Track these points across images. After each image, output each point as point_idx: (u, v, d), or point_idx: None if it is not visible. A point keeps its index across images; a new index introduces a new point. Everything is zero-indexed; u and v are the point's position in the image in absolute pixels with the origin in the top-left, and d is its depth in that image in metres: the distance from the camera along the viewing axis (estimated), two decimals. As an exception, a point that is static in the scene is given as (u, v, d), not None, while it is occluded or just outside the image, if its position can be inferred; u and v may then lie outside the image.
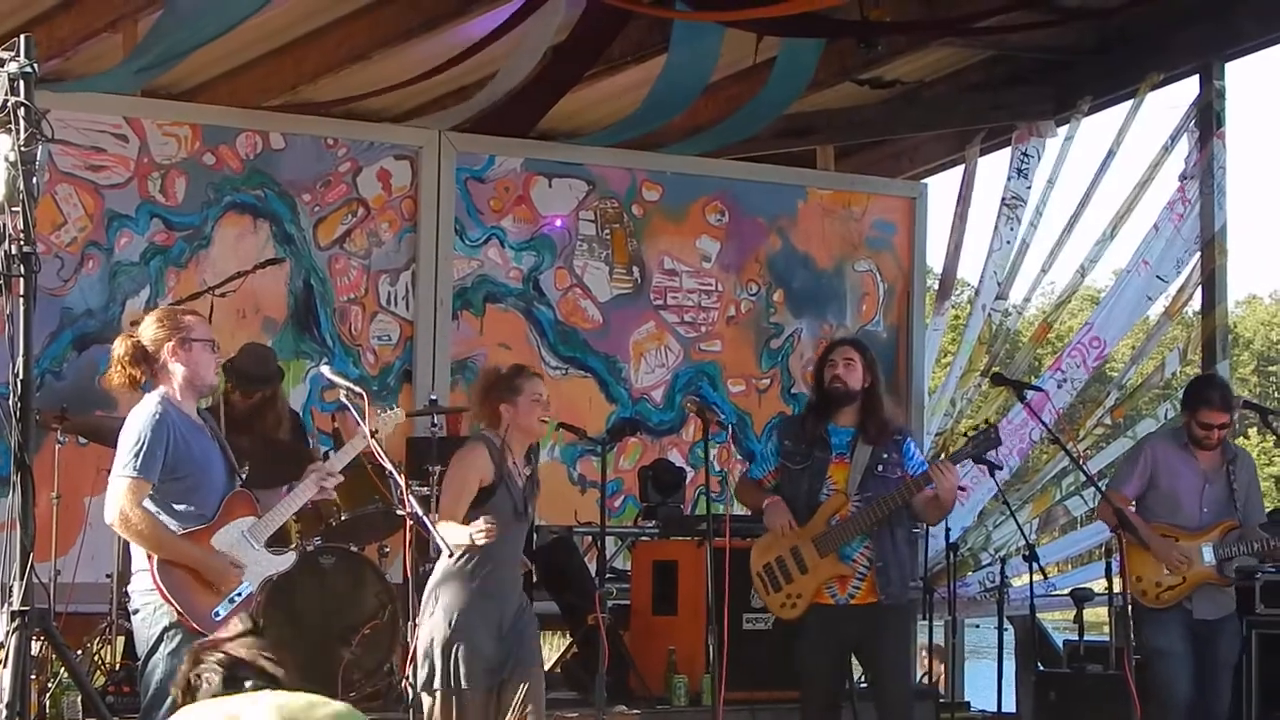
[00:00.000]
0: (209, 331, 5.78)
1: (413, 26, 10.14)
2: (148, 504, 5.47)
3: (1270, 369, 43.24)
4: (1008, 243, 11.18)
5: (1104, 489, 7.76)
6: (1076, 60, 11.33)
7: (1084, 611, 8.81)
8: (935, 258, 11.47)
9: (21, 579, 4.86)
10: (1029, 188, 11.20)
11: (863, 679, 7.33)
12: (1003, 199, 11.23)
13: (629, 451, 10.08)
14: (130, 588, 5.62)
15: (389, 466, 6.18)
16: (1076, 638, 8.95)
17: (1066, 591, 9.35)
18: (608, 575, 8.80)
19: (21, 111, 4.91)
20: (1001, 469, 9.62)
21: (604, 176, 10.18)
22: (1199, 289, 11.07)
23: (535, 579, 8.14)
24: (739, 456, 9.58)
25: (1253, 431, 25.41)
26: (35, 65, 4.99)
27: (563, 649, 9.21)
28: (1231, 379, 12.37)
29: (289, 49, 10.58)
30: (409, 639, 6.38)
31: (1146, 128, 11.27)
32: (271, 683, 3.09)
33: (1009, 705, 9.42)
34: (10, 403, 4.96)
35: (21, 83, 4.94)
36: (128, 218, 8.99)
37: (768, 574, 6.89)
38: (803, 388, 10.13)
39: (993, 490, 9.80)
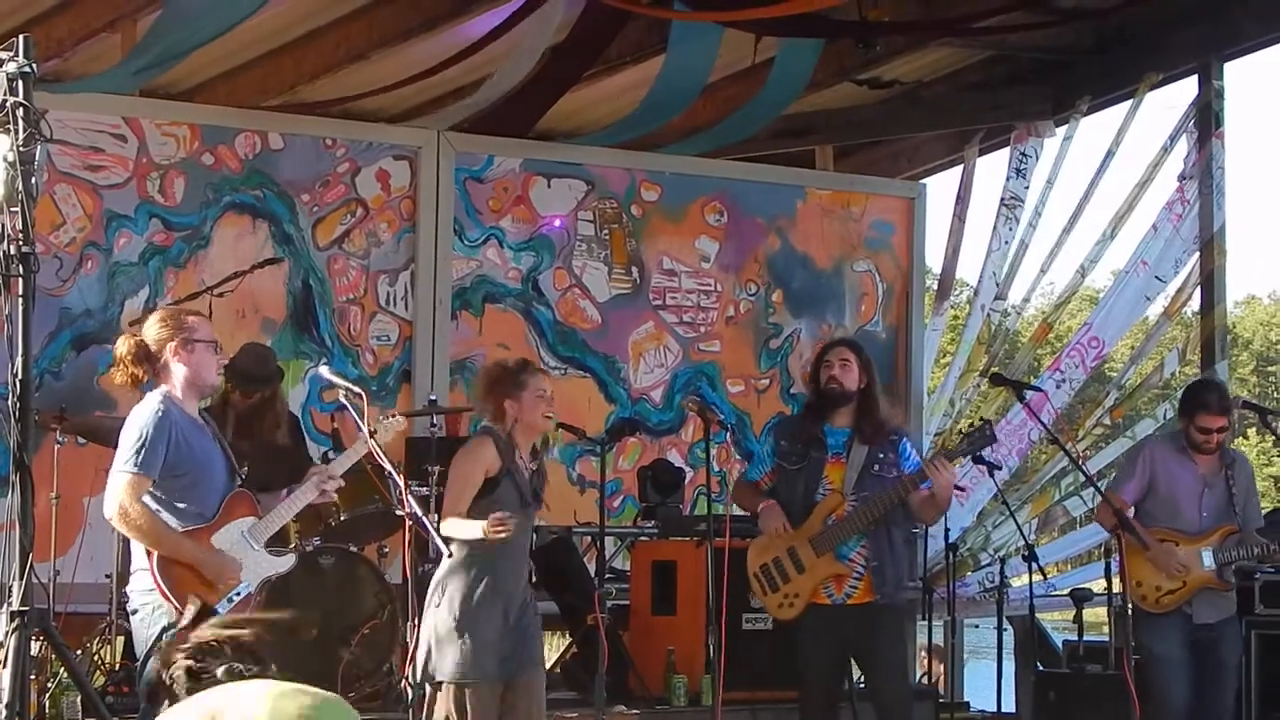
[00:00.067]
0: (212, 333, 5.78)
1: (411, 27, 10.15)
2: (148, 500, 5.47)
3: (1269, 369, 43.27)
4: (1006, 243, 11.17)
5: (1103, 491, 7.75)
6: (1075, 60, 11.33)
7: (1083, 611, 8.81)
8: (934, 258, 11.49)
9: (21, 579, 4.86)
10: (1028, 188, 11.20)
11: (861, 679, 7.32)
12: (1001, 199, 11.23)
13: (628, 452, 10.08)
14: (129, 588, 5.62)
15: (388, 467, 6.18)
16: (1076, 638, 8.96)
17: (1066, 592, 9.35)
18: (607, 575, 8.79)
19: (20, 112, 4.91)
20: (1001, 469, 9.62)
21: (603, 177, 10.18)
22: (1198, 289, 11.05)
23: (535, 579, 8.13)
24: (738, 457, 9.59)
25: (1251, 432, 25.44)
26: (34, 65, 4.99)
27: (562, 649, 9.20)
28: (1230, 379, 12.38)
29: (288, 49, 10.59)
30: (408, 639, 6.37)
31: (1145, 128, 11.29)
32: (248, 656, 3.02)
33: (1008, 705, 9.41)
34: (9, 403, 4.97)
35: (20, 83, 4.94)
36: (126, 218, 8.98)
37: (765, 574, 6.88)
38: (802, 388, 10.11)
39: (992, 490, 9.80)
